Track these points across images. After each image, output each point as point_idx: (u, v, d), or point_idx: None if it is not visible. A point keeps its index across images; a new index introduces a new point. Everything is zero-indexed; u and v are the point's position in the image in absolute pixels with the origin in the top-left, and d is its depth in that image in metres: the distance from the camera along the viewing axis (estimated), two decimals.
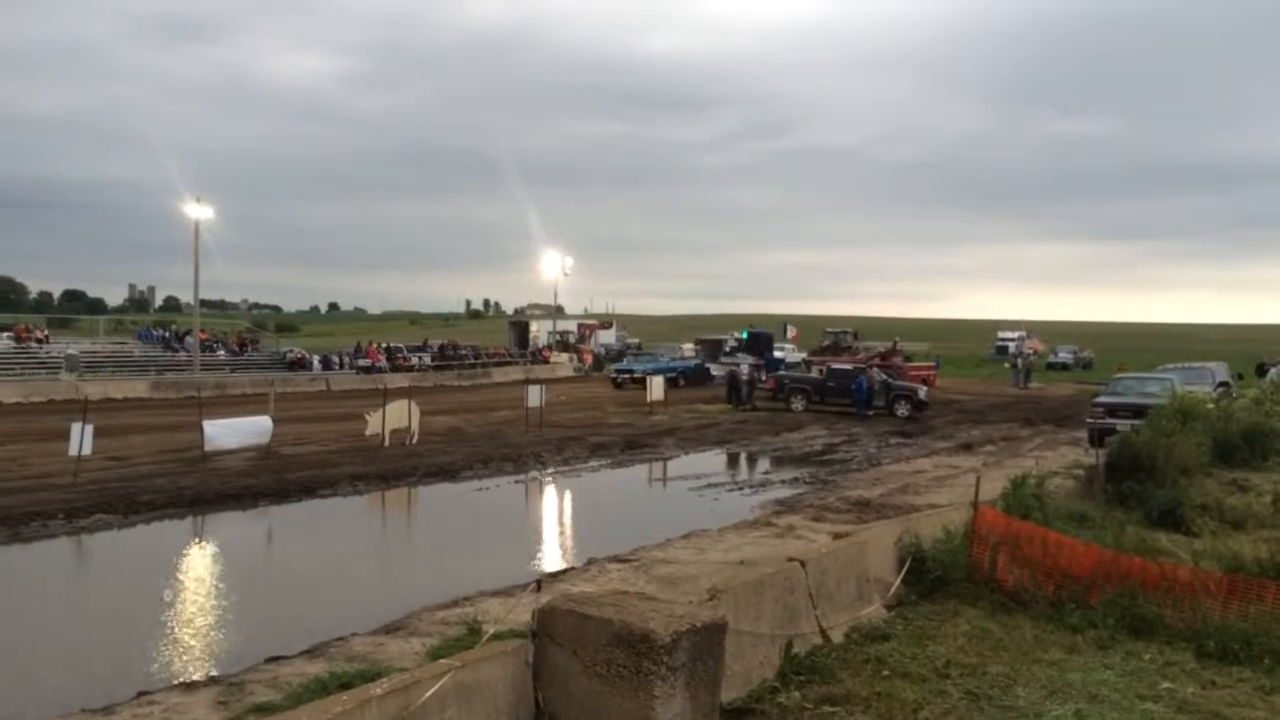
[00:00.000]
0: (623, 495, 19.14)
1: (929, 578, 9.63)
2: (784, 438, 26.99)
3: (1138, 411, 20.75)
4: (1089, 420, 23.53)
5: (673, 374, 43.52)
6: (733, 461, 23.29)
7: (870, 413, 31.85)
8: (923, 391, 33.46)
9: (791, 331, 70.69)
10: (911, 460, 22.56)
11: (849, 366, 35.68)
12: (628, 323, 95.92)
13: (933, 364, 50.17)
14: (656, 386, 32.19)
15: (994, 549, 9.66)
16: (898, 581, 9.51)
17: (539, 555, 13.55)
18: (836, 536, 10.31)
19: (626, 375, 45.88)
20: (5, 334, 46.94)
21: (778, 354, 66.61)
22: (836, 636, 8.20)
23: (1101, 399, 24.26)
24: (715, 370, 47.63)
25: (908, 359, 47.46)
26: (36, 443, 21.36)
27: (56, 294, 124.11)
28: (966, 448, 25.03)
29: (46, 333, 48.74)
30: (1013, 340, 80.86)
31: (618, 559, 12.07)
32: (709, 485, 19.05)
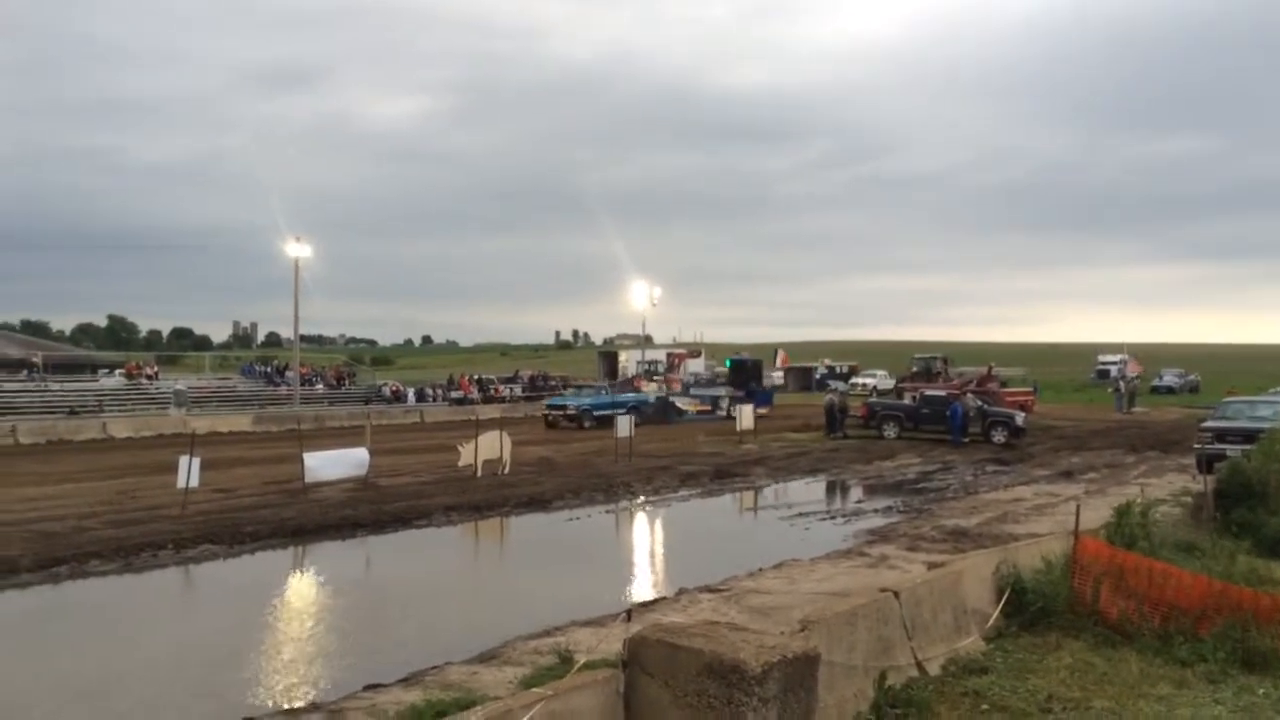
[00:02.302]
0: (713, 525, 19.07)
1: (1029, 609, 9.37)
2: (876, 466, 26.60)
3: (1248, 436, 19.95)
4: (1196, 445, 22.68)
5: (617, 410, 35.96)
6: (824, 490, 23.02)
7: (966, 440, 31.20)
8: (1020, 417, 32.66)
9: (780, 356, 69.57)
10: (1009, 488, 22.01)
11: (943, 393, 35.04)
12: (716, 351, 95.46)
13: (1030, 389, 48.91)
14: (746, 415, 32.07)
15: (1097, 580, 9.36)
16: (996, 613, 9.28)
17: (629, 585, 13.57)
18: (931, 566, 10.13)
19: (559, 412, 39.99)
20: (117, 371, 49.01)
21: (867, 380, 65.74)
22: (933, 669, 8.03)
23: (1209, 423, 23.37)
24: (687, 404, 43.57)
25: (1004, 384, 46.37)
26: (147, 475, 22.20)
27: (165, 332, 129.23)
28: (1067, 475, 24.33)
29: (156, 369, 50.77)
30: (1114, 363, 78.33)
31: (708, 589, 12.03)
32: (800, 514, 18.86)
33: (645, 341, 75.53)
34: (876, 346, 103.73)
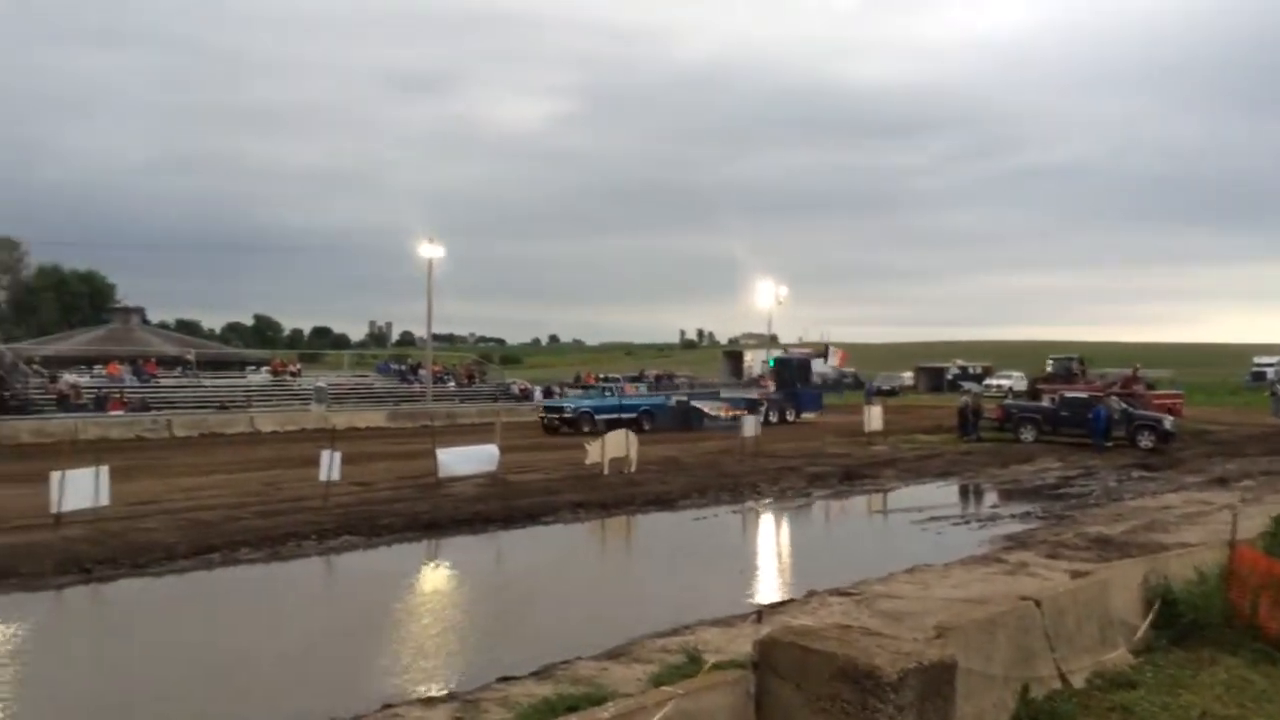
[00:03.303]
0: (842, 527, 18.81)
1: (1180, 622, 8.90)
2: (1013, 470, 25.76)
3: None
4: None
5: (625, 414, 34.54)
6: (958, 494, 22.42)
7: (1109, 444, 29.89)
8: (1169, 421, 31.10)
9: (836, 355, 64.58)
10: (1157, 495, 21.01)
11: (1084, 395, 33.68)
12: (844, 350, 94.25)
13: (1179, 391, 46.56)
14: (875, 416, 31.47)
15: (1255, 592, 8.83)
16: (1145, 625, 8.84)
17: (757, 586, 13.48)
18: (1075, 575, 9.75)
19: (555, 416, 36.32)
20: (263, 368, 51.23)
21: (1002, 382, 63.65)
22: (1077, 681, 7.71)
23: None
24: (715, 408, 38.87)
25: (1150, 386, 44.25)
26: (291, 468, 23.12)
27: (307, 330, 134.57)
28: (1220, 482, 23.07)
29: (299, 367, 52.88)
30: (1271, 365, 73.96)
31: (838, 592, 11.84)
32: (932, 518, 18.40)
33: (771, 341, 75.05)
34: (1009, 346, 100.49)
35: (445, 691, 8.35)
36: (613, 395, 37.92)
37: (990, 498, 21.74)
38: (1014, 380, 62.04)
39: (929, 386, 71.38)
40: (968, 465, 26.31)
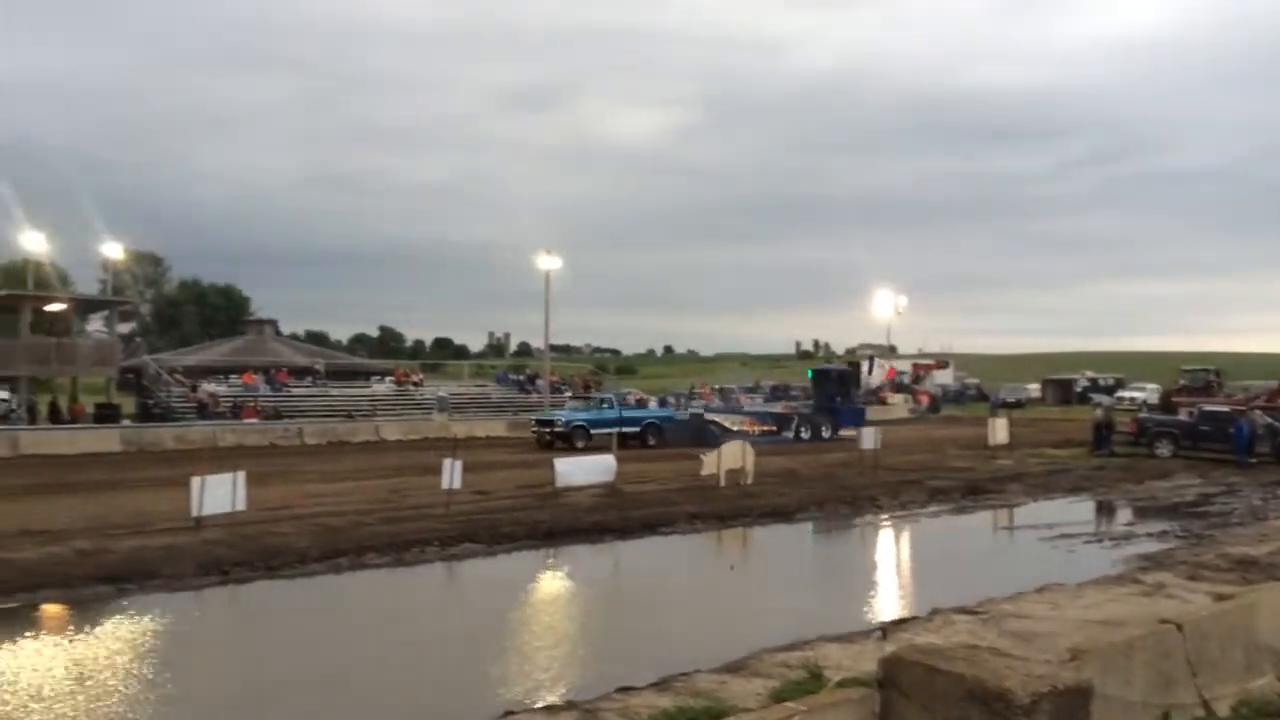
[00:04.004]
0: (966, 543, 18.27)
1: None
2: (1148, 486, 24.68)
3: None
4: None
5: (626, 428, 32.64)
6: (1090, 510, 21.59)
7: (1253, 460, 28.36)
8: None
9: (884, 368, 58.84)
10: None
11: (1226, 408, 32.07)
12: (966, 362, 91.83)
13: None
14: (1001, 429, 30.55)
15: None
16: None
17: (878, 602, 13.21)
18: (1219, 598, 9.25)
19: (547, 430, 33.67)
20: (387, 378, 52.72)
21: (1135, 394, 61.03)
22: (1221, 710, 7.31)
23: None
24: (735, 423, 36.56)
25: None
26: (414, 476, 23.69)
27: (428, 341, 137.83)
28: None
29: (421, 377, 54.26)
30: None
31: (964, 610, 11.50)
32: (1062, 535, 17.74)
33: (889, 352, 73.80)
34: (1141, 357, 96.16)
35: (565, 700, 8.41)
36: (612, 408, 35.51)
37: (1124, 515, 20.87)
38: (1148, 393, 59.52)
39: (1057, 399, 68.91)
40: (1100, 481, 25.32)
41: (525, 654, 10.42)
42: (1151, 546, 16.62)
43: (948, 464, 27.97)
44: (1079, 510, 21.46)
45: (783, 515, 19.40)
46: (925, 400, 61.57)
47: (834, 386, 41.55)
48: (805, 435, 37.10)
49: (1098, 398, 56.29)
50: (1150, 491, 23.84)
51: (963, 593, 12.39)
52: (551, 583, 14.91)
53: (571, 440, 32.24)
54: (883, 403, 58.27)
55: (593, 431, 32.86)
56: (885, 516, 20.10)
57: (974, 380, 78.04)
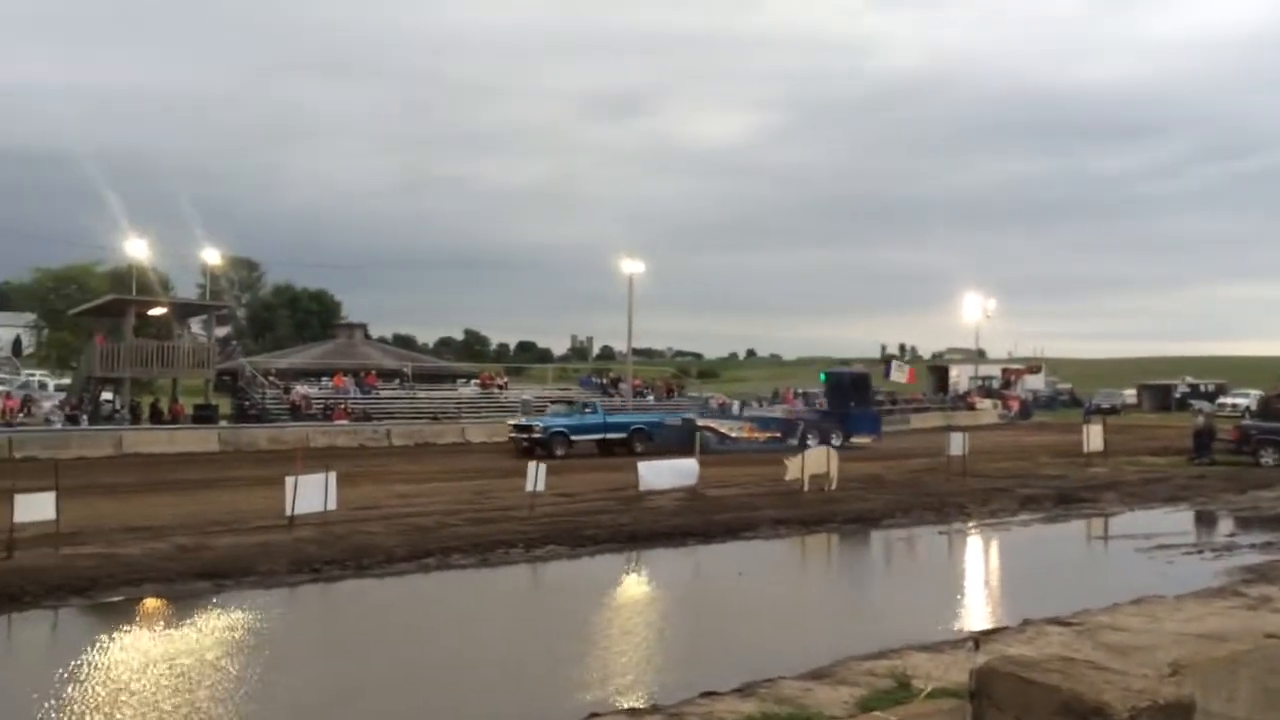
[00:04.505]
0: (1058, 553, 17.78)
1: None
2: (1251, 496, 23.72)
3: None
4: None
5: (611, 434, 32.14)
6: (1190, 521, 20.84)
7: None
8: None
9: (904, 371, 53.04)
10: None
11: None
12: (1058, 366, 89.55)
13: None
14: (1095, 435, 29.71)
15: None
16: None
17: (967, 612, 12.95)
18: None
19: (524, 436, 31.84)
20: (473, 381, 53.44)
21: (1237, 400, 58.75)
22: None
23: None
24: (734, 429, 34.83)
25: None
26: (499, 478, 23.98)
27: (512, 345, 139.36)
28: None
29: (505, 380, 54.87)
30: None
31: (1057, 621, 11.20)
32: (1160, 546, 17.14)
33: (978, 356, 72.30)
34: (1241, 362, 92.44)
35: (649, 704, 8.41)
36: (595, 413, 33.62)
37: (1226, 526, 20.12)
38: (1250, 399, 57.30)
39: (1154, 405, 66.77)
40: (1200, 490, 24.43)
41: (607, 656, 10.46)
42: (1255, 559, 15.97)
43: (1039, 471, 27.29)
44: (1178, 520, 20.73)
45: (868, 521, 19.14)
46: (1015, 405, 60.19)
47: (848, 391, 39.32)
48: (812, 443, 33.76)
49: (1198, 404, 54.31)
50: (1253, 501, 22.93)
51: (1055, 604, 12.07)
52: (634, 586, 14.94)
53: (550, 448, 30.17)
54: (970, 408, 57.16)
55: (574, 438, 31.72)
56: (974, 524, 19.67)
57: (1066, 385, 76.05)
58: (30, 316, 69.03)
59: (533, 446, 30.43)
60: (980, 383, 66.10)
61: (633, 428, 33.30)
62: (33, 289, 65.48)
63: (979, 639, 9.60)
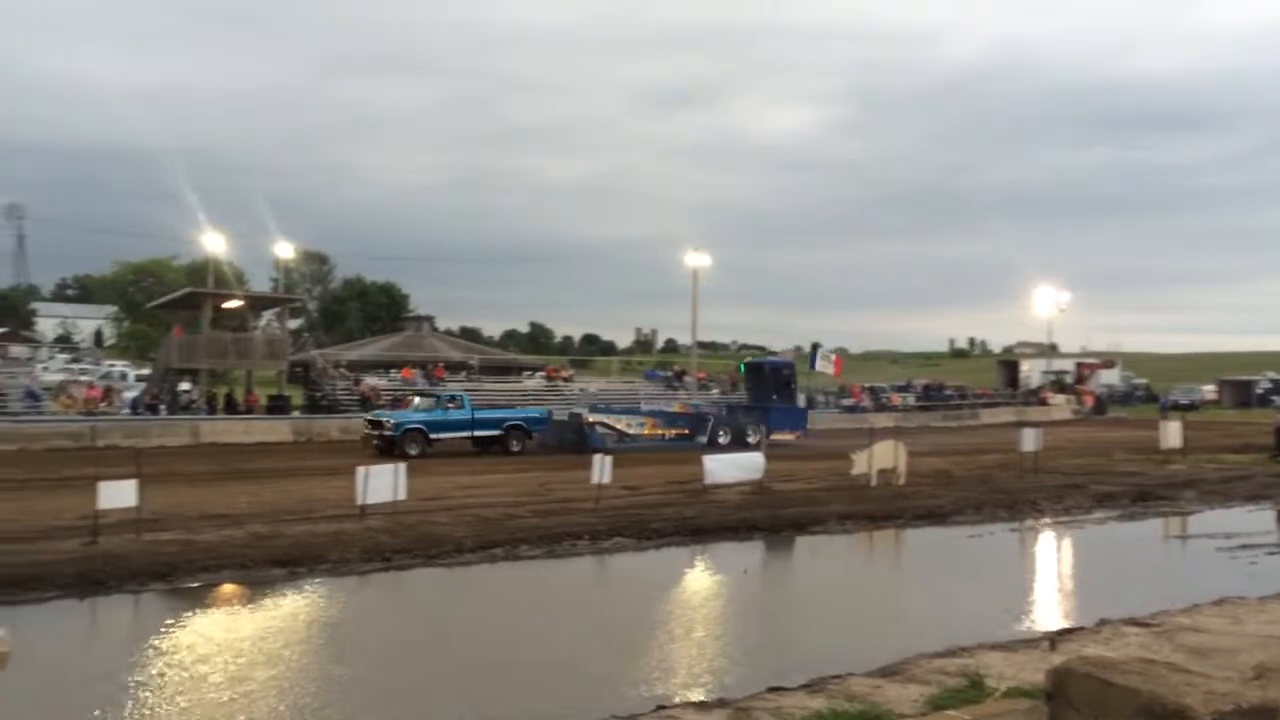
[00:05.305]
0: (1135, 552, 17.36)
1: None
2: None
3: None
4: None
5: (478, 431, 29.43)
6: (1272, 520, 20.16)
7: None
8: None
9: (830, 361, 43.19)
10: None
11: None
12: (1134, 361, 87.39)
13: None
14: (1173, 433, 28.92)
15: None
16: None
17: (1040, 610, 12.70)
18: None
19: (376, 432, 28.80)
20: (539, 373, 53.82)
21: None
22: None
23: None
24: (633, 425, 31.77)
25: None
26: (562, 470, 24.09)
27: (577, 338, 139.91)
28: None
29: (570, 373, 55.17)
30: None
31: (1134, 621, 10.93)
32: (1243, 546, 16.63)
33: (1050, 350, 70.86)
34: None
35: (715, 698, 8.39)
36: (462, 407, 30.14)
37: None
38: None
39: (1235, 401, 64.80)
40: None
41: (673, 649, 10.46)
42: None
43: (1115, 468, 26.65)
44: (1261, 519, 20.08)
45: (937, 518, 18.88)
46: (1090, 401, 58.86)
47: (768, 383, 35.83)
48: (724, 440, 31.93)
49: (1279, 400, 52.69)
50: None
51: (1132, 604, 11.79)
52: (698, 579, 14.91)
53: (402, 446, 27.09)
54: (1043, 403, 56.03)
55: (434, 435, 28.54)
56: (1047, 521, 19.31)
57: (1142, 380, 74.21)
58: (111, 309, 71.21)
59: (385, 444, 27.68)
60: (1053, 377, 64.78)
61: (507, 424, 30.48)
62: (113, 282, 67.57)
63: (1054, 639, 9.42)
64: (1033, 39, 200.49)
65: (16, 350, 50.21)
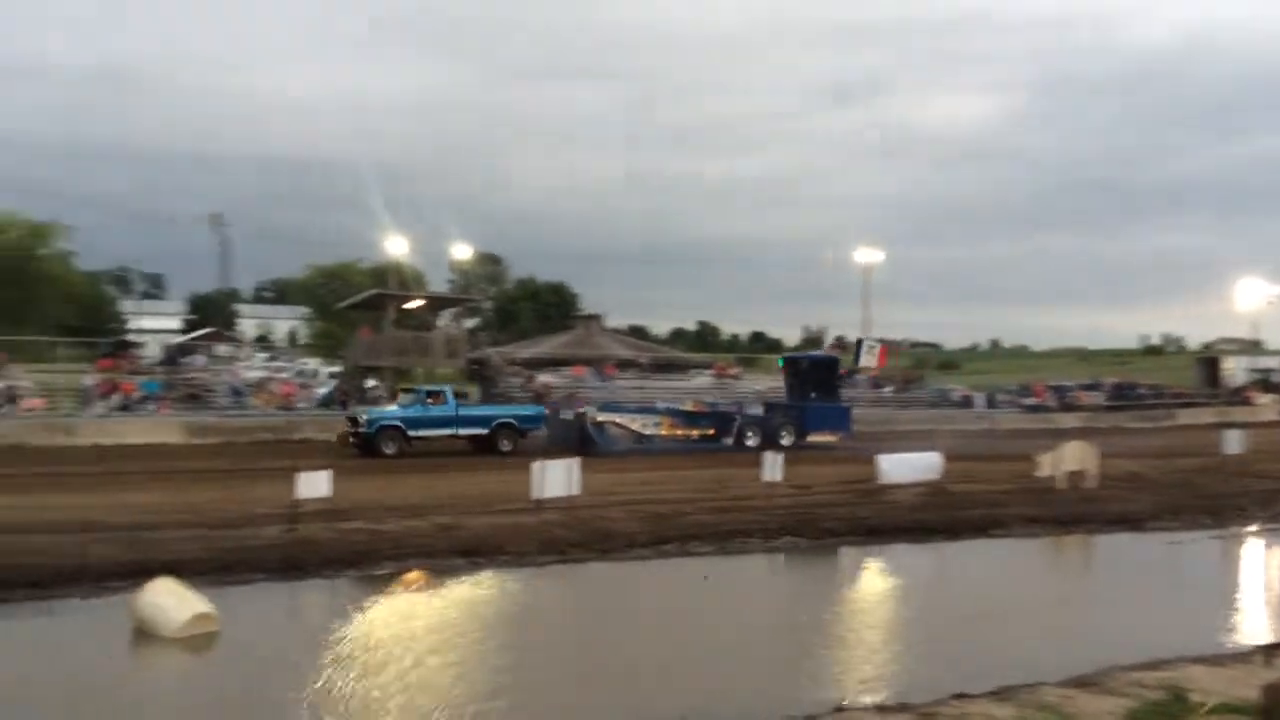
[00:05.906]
0: None
1: None
2: None
3: None
4: None
5: (464, 430, 26.99)
6: None
7: None
8: None
9: (874, 351, 39.18)
10: None
11: None
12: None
13: None
14: None
15: None
16: None
17: (1247, 623, 11.84)
18: None
19: (351, 430, 26.71)
20: (706, 371, 53.89)
21: None
22: None
23: None
24: (646, 425, 28.89)
25: None
26: (736, 467, 23.92)
27: (744, 335, 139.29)
28: None
29: (738, 370, 54.99)
30: None
31: None
32: None
33: (1253, 347, 66.00)
34: None
35: (898, 702, 8.18)
36: (448, 404, 27.45)
37: None
38: None
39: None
40: None
41: (849, 650, 10.29)
42: None
43: None
44: None
45: (1132, 523, 17.86)
46: None
47: (806, 379, 32.83)
48: (751, 442, 28.57)
49: None
50: None
51: None
52: (875, 580, 14.60)
53: (377, 445, 25.55)
54: (1247, 403, 52.19)
55: (414, 433, 26.34)
56: (1254, 528, 17.99)
57: None
58: (304, 310, 75.61)
59: (361, 443, 26.01)
60: (1259, 376, 60.25)
61: (496, 422, 27.82)
62: (305, 285, 71.68)
63: (1268, 652, 8.76)
64: (1226, 20, 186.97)
65: (221, 349, 53.73)
